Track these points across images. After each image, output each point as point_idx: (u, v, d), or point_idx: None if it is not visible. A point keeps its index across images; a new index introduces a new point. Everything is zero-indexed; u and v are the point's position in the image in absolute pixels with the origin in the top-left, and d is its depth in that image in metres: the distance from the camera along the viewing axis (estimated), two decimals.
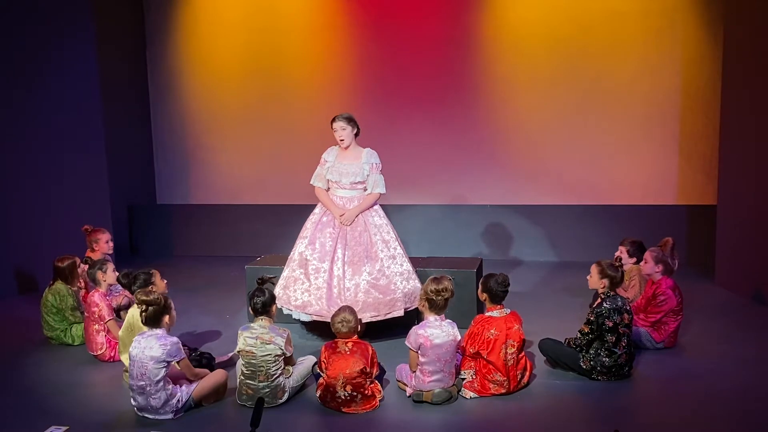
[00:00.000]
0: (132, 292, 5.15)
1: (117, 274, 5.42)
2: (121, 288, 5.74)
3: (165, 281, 5.13)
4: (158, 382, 4.30)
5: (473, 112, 8.72)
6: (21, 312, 6.69)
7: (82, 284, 6.09)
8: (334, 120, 5.71)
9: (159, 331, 4.40)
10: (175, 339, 4.41)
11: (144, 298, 4.43)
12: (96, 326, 5.41)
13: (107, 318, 5.39)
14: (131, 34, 9.27)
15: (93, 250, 6.27)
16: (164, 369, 4.33)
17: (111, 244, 6.38)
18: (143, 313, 4.42)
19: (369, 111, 8.55)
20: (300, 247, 5.74)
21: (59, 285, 5.84)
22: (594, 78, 8.40)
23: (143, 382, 4.31)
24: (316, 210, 5.86)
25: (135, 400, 4.39)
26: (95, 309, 5.40)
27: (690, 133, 8.29)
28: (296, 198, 9.04)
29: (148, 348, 4.32)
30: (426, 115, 8.71)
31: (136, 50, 9.35)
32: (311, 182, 5.85)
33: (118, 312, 5.73)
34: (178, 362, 4.43)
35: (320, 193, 5.81)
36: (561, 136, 8.55)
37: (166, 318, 4.46)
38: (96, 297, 5.44)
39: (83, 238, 6.39)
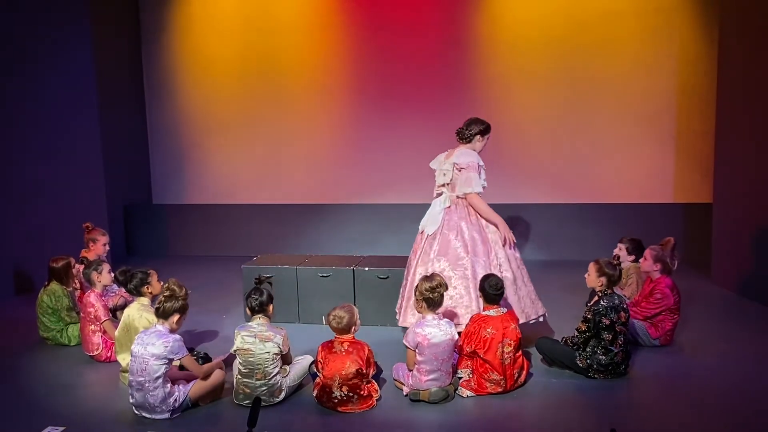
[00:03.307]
0: (128, 290, 5.14)
1: (112, 275, 5.40)
2: (117, 288, 5.74)
3: (162, 283, 5.10)
4: (157, 378, 4.30)
5: (470, 111, 8.66)
6: (17, 313, 6.68)
7: (78, 285, 6.07)
8: (490, 128, 5.38)
9: (162, 328, 4.40)
10: (177, 336, 4.40)
11: (176, 288, 4.43)
12: (92, 327, 5.40)
13: (103, 318, 5.38)
14: (127, 34, 9.26)
15: (88, 249, 6.24)
16: (165, 366, 4.33)
17: (107, 247, 6.34)
18: (164, 299, 4.40)
19: (366, 111, 8.55)
20: (442, 264, 5.16)
21: (54, 286, 5.82)
22: (590, 77, 8.42)
23: (142, 378, 4.30)
24: (432, 230, 5.26)
25: (132, 396, 4.39)
26: (91, 310, 5.39)
27: (686, 131, 8.32)
28: (291, 198, 9.05)
29: (150, 345, 4.32)
30: (423, 114, 8.72)
31: (132, 50, 9.34)
32: (479, 189, 5.19)
33: (114, 312, 5.72)
34: (181, 360, 4.42)
35: (483, 202, 5.21)
36: (557, 135, 8.57)
37: (176, 318, 4.44)
38: (92, 297, 5.43)
39: (80, 238, 6.36)
